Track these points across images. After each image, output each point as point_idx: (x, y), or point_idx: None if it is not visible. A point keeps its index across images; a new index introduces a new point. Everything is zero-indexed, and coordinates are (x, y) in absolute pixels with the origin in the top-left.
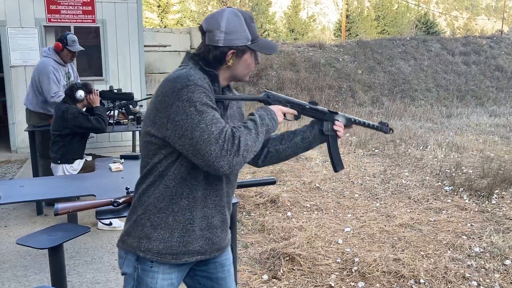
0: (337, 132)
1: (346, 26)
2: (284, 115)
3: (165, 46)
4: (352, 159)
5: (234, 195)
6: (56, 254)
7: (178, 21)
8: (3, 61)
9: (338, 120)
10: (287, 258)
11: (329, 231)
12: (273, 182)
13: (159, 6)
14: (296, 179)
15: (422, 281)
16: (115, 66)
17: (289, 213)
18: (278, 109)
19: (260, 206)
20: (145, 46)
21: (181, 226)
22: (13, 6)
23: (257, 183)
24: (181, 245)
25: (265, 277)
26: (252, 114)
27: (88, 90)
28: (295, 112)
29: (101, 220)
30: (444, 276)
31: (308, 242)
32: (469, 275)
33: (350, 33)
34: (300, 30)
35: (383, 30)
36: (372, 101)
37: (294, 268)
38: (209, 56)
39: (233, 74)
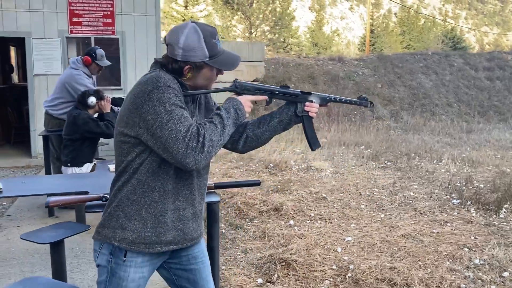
0: (309, 113)
1: (370, 41)
2: (256, 102)
3: None
4: (363, 171)
5: (218, 193)
6: (57, 250)
7: None
8: (27, 71)
9: (312, 101)
10: (283, 263)
11: (330, 240)
12: (257, 184)
13: (183, 20)
14: (304, 189)
15: None
16: (133, 76)
17: (291, 221)
18: (246, 99)
19: (263, 213)
20: None
21: (153, 218)
22: (38, 19)
23: (241, 184)
24: (153, 236)
25: (260, 280)
26: (218, 108)
27: (99, 96)
28: (265, 98)
29: None
30: (438, 286)
31: (306, 249)
32: (464, 285)
33: (375, 48)
34: (323, 45)
35: (408, 45)
36: (391, 115)
37: (289, 273)
38: (169, 67)
39: (193, 84)
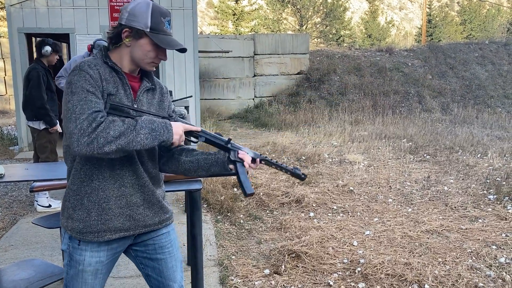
0: (244, 162)
1: (428, 31)
2: (189, 135)
3: (227, 51)
4: (399, 164)
5: (203, 180)
6: None
7: (252, 29)
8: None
9: (246, 152)
10: (293, 255)
11: (348, 233)
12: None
13: (234, 15)
14: (331, 181)
15: (426, 286)
16: (171, 70)
17: (311, 214)
18: (179, 125)
19: (284, 205)
20: (206, 52)
21: (96, 206)
22: (82, 16)
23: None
24: (99, 223)
25: (267, 271)
26: (170, 116)
27: (55, 49)
28: (199, 129)
29: (39, 204)
30: (453, 284)
31: (320, 242)
32: (482, 284)
33: (432, 39)
34: (377, 36)
35: (469, 35)
36: (441, 108)
37: (298, 265)
38: (112, 34)
39: (132, 56)
